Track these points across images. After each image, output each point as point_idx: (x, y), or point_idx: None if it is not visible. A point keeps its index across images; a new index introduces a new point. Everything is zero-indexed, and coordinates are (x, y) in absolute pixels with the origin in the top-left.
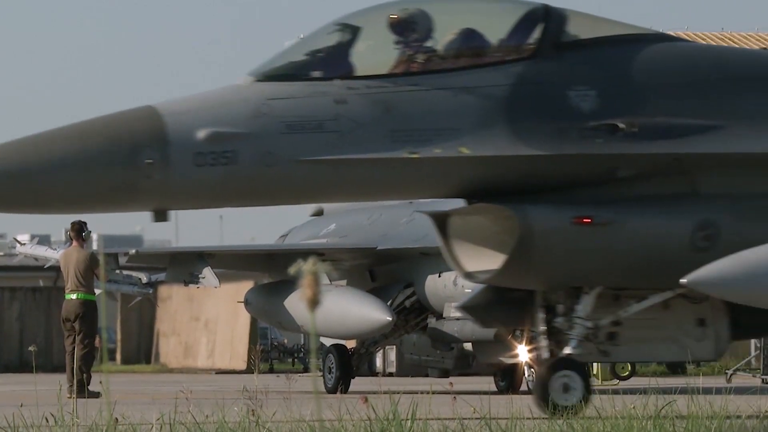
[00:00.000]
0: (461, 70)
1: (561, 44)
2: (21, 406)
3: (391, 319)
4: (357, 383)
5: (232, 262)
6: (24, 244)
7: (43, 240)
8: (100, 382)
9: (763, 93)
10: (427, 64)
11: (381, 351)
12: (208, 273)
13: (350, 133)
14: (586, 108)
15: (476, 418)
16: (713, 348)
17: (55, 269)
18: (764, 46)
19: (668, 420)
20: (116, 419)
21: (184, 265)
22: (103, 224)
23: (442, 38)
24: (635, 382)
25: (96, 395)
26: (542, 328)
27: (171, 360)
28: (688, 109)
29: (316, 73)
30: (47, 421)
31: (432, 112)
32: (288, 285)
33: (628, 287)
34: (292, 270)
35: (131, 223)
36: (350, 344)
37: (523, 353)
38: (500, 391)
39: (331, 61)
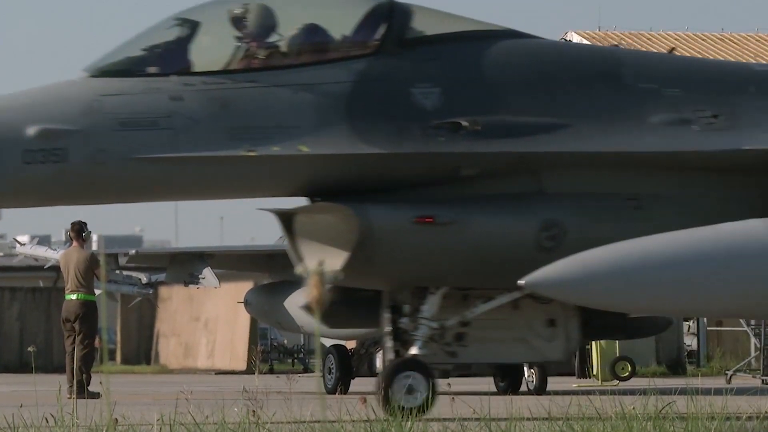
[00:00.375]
0: (303, 67)
1: (405, 41)
2: (21, 406)
3: None
4: (357, 384)
5: (232, 263)
6: (24, 244)
7: (43, 240)
8: (100, 383)
9: (609, 91)
10: (268, 60)
11: (381, 351)
12: (208, 273)
13: (185, 131)
14: (430, 106)
15: (476, 419)
16: (563, 348)
17: (55, 269)
18: (764, 47)
19: (668, 421)
20: (116, 420)
21: (184, 265)
22: (103, 224)
23: (283, 34)
24: (635, 382)
25: (96, 396)
26: (388, 328)
27: (171, 360)
28: (533, 107)
29: (152, 69)
30: (47, 421)
31: (271, 109)
32: (288, 285)
33: (475, 287)
34: (298, 270)
35: (131, 224)
36: (350, 345)
37: None
38: (500, 392)
39: (167, 56)
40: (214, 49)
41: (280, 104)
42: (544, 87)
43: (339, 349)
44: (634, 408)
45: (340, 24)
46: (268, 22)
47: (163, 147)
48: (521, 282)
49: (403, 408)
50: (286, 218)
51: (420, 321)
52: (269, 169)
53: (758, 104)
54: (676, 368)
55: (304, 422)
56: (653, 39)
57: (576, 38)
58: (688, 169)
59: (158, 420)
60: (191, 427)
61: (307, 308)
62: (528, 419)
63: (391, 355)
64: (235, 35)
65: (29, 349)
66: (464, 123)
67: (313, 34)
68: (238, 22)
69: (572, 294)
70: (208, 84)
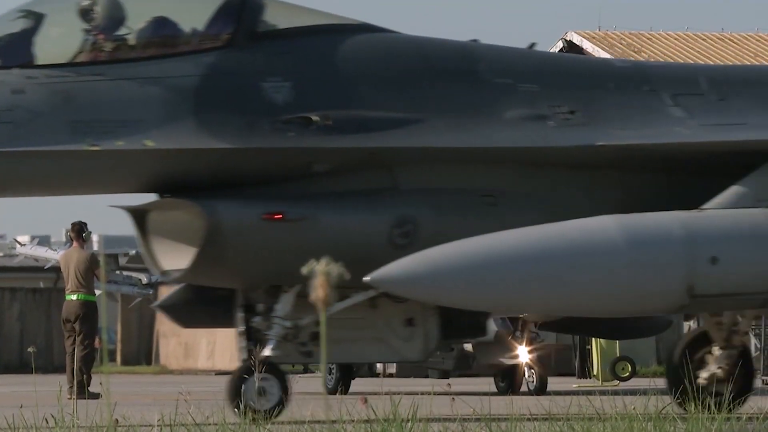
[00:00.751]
0: (150, 60)
1: (257, 34)
2: (21, 407)
3: None
4: (357, 384)
5: None
6: (24, 244)
7: (43, 241)
8: (101, 383)
9: (464, 86)
10: (115, 53)
11: None
12: None
13: (27, 124)
14: (280, 100)
15: (476, 419)
16: (421, 348)
17: (56, 270)
18: (764, 47)
19: (668, 421)
20: (116, 420)
21: None
22: (103, 225)
23: (132, 27)
24: (635, 382)
25: (96, 396)
26: (241, 328)
27: (171, 361)
28: (387, 102)
29: None
30: (47, 422)
31: (116, 103)
32: None
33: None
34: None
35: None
36: None
37: (523, 354)
38: (500, 392)
39: (10, 49)
40: (59, 41)
41: (125, 98)
42: (398, 82)
43: None
44: (634, 408)
45: (191, 17)
46: (116, 15)
47: (4, 141)
48: (366, 279)
49: (254, 410)
50: (139, 215)
51: (273, 320)
52: (114, 164)
53: (617, 101)
54: None
55: (305, 422)
56: (653, 39)
57: (576, 38)
58: (544, 165)
59: (159, 420)
60: (192, 427)
61: (159, 307)
62: (528, 419)
63: (244, 355)
64: (82, 27)
65: (29, 349)
66: (315, 118)
67: (162, 26)
68: (85, 14)
69: (418, 291)
70: (52, 77)
